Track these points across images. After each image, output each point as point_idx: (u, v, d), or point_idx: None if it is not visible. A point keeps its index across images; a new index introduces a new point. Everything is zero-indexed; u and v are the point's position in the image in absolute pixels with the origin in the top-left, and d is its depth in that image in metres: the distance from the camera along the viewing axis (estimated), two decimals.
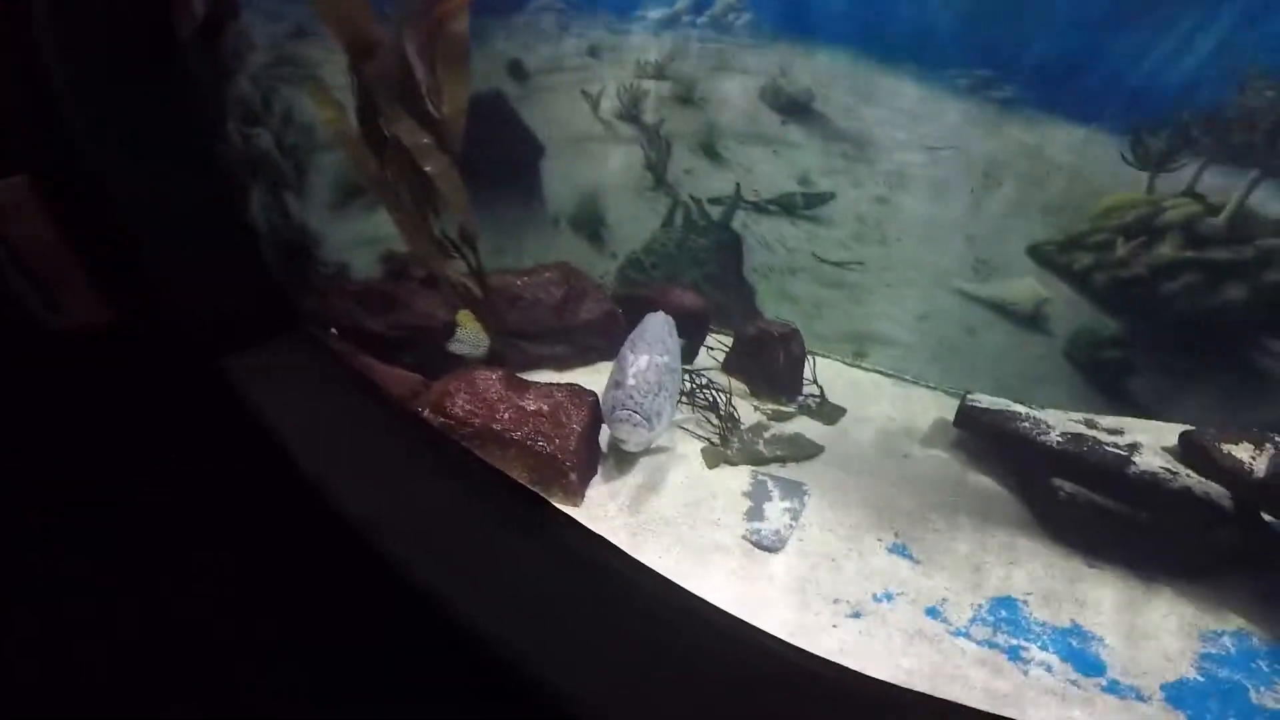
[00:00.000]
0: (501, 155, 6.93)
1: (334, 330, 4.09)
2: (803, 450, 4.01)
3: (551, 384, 3.67)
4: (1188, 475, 3.42)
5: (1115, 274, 4.66)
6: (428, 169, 3.57)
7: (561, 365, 4.65)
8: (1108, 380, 4.63)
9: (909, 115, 5.36)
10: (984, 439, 4.11)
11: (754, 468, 3.79)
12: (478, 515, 2.44)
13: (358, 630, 1.93)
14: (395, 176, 3.69)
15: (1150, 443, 3.70)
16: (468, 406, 3.33)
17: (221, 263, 2.60)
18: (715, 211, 6.10)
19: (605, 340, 4.85)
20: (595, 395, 3.65)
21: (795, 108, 5.82)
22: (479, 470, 2.87)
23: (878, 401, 4.79)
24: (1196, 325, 4.42)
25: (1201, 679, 2.69)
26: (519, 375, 3.74)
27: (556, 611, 2.24)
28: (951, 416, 4.44)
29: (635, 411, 3.30)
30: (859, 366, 5.28)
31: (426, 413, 3.28)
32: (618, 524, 3.17)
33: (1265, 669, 2.72)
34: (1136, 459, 3.53)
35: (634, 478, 3.51)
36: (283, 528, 2.12)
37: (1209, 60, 4.17)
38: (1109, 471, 3.52)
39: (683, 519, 3.28)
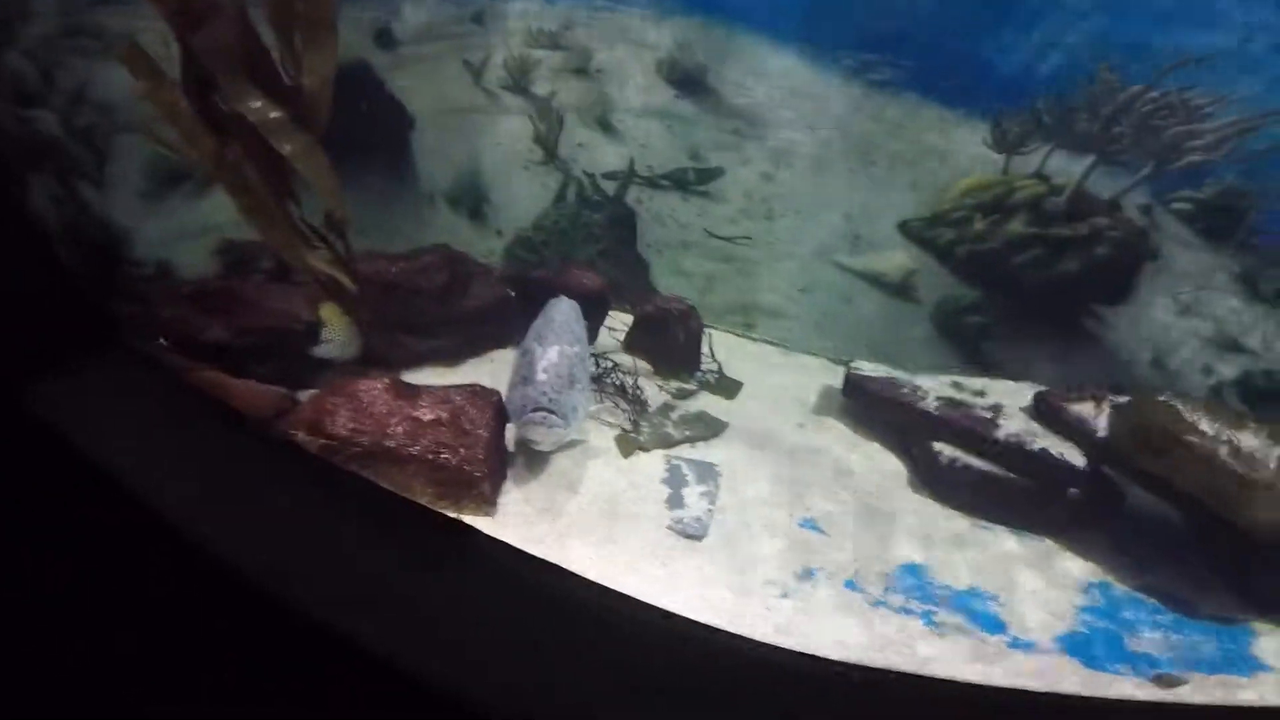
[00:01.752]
0: (363, 128, 6.31)
1: (163, 341, 3.47)
2: (709, 428, 3.97)
3: (448, 388, 3.29)
4: (1044, 435, 3.67)
5: (973, 248, 4.91)
6: (285, 149, 3.06)
7: (450, 359, 4.26)
8: (968, 344, 4.92)
9: (796, 94, 5.34)
10: (869, 406, 4.25)
11: (666, 452, 3.71)
12: (382, 547, 2.18)
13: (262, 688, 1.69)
14: (240, 158, 3.16)
15: (1011, 404, 3.95)
16: (352, 423, 2.90)
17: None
18: (609, 186, 5.86)
19: (498, 327, 4.55)
20: (499, 394, 3.35)
21: (689, 82, 5.66)
22: (372, 495, 2.56)
23: (769, 373, 4.83)
24: (1041, 294, 4.75)
25: (1084, 630, 2.93)
26: (405, 379, 3.35)
27: (485, 637, 2.07)
28: (837, 384, 4.58)
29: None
30: (749, 338, 5.31)
31: (300, 434, 2.84)
32: (539, 530, 2.97)
33: (1129, 616, 3.00)
34: (1002, 421, 3.76)
35: (548, 477, 3.31)
36: (143, 583, 1.79)
37: (1066, 55, 4.40)
38: (980, 435, 3.73)
39: (605, 516, 3.15)
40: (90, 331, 2.49)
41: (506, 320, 4.56)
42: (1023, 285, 4.74)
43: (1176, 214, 5.18)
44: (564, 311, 3.83)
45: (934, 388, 4.11)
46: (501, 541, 2.55)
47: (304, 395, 3.32)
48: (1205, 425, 3.29)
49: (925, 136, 5.05)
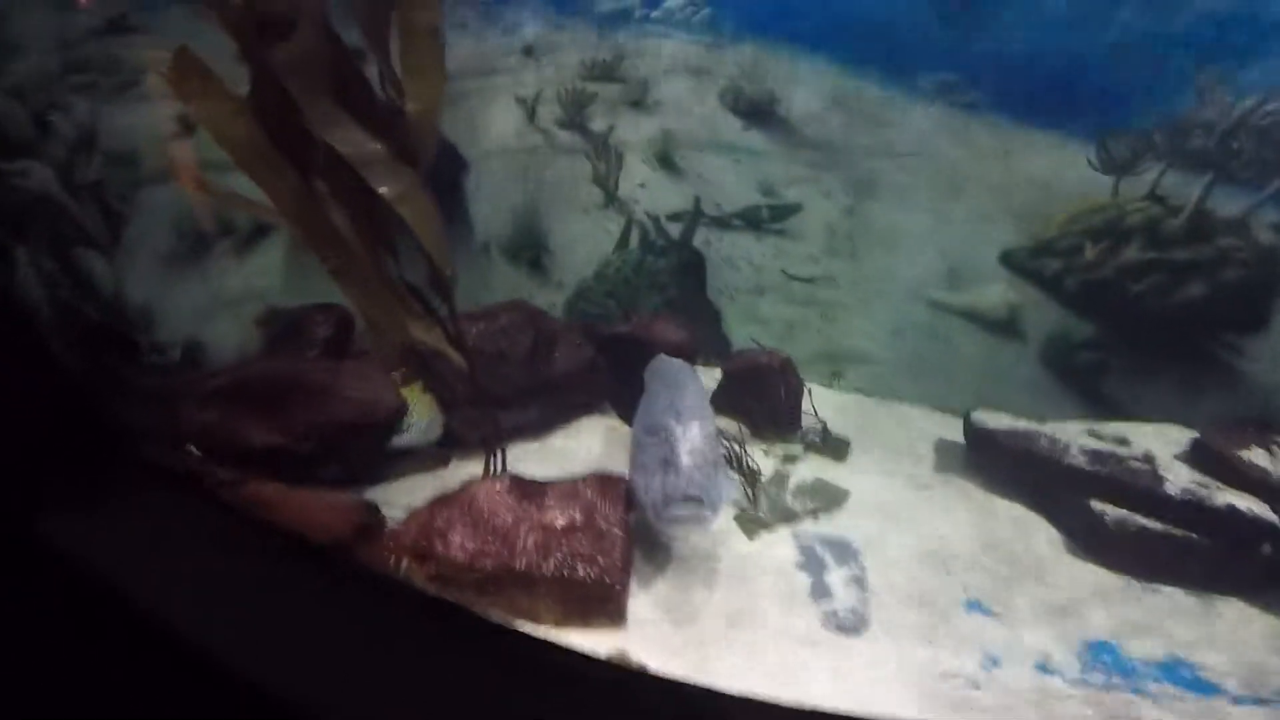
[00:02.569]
0: None
1: (192, 449, 2.85)
2: (832, 499, 3.53)
3: (575, 481, 2.84)
4: (1219, 489, 3.19)
5: (1085, 277, 4.47)
6: (384, 189, 2.52)
7: (537, 434, 3.83)
8: (1084, 383, 4.45)
9: (873, 120, 4.96)
10: (999, 461, 3.77)
11: (789, 528, 3.27)
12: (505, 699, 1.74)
13: None
14: (328, 199, 2.63)
15: (1162, 452, 3.47)
16: (471, 542, 2.40)
17: None
18: (674, 229, 5.47)
19: (587, 395, 4.15)
20: (624, 480, 2.93)
21: (757, 112, 5.28)
22: (479, 631, 2.11)
23: (870, 426, 4.37)
24: (1163, 323, 4.28)
25: None
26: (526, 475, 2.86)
27: None
28: (945, 434, 4.14)
29: (701, 500, 2.62)
30: (836, 388, 4.86)
31: (406, 564, 2.37)
32: (678, 641, 2.54)
33: None
34: (1165, 474, 3.28)
35: (673, 572, 2.89)
36: None
37: (1170, 69, 4.01)
38: (1144, 491, 3.25)
39: (745, 615, 2.71)
40: (98, 447, 2.07)
41: (595, 387, 4.16)
42: (1143, 315, 4.28)
43: None
44: (689, 378, 3.35)
45: (1070, 436, 3.64)
46: (644, 674, 2.13)
47: (383, 500, 2.85)
48: None
49: (1019, 161, 4.64)
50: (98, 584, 1.63)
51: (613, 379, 4.23)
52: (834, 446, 4.01)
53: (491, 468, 3.08)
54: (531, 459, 3.54)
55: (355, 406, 3.14)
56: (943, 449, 4.07)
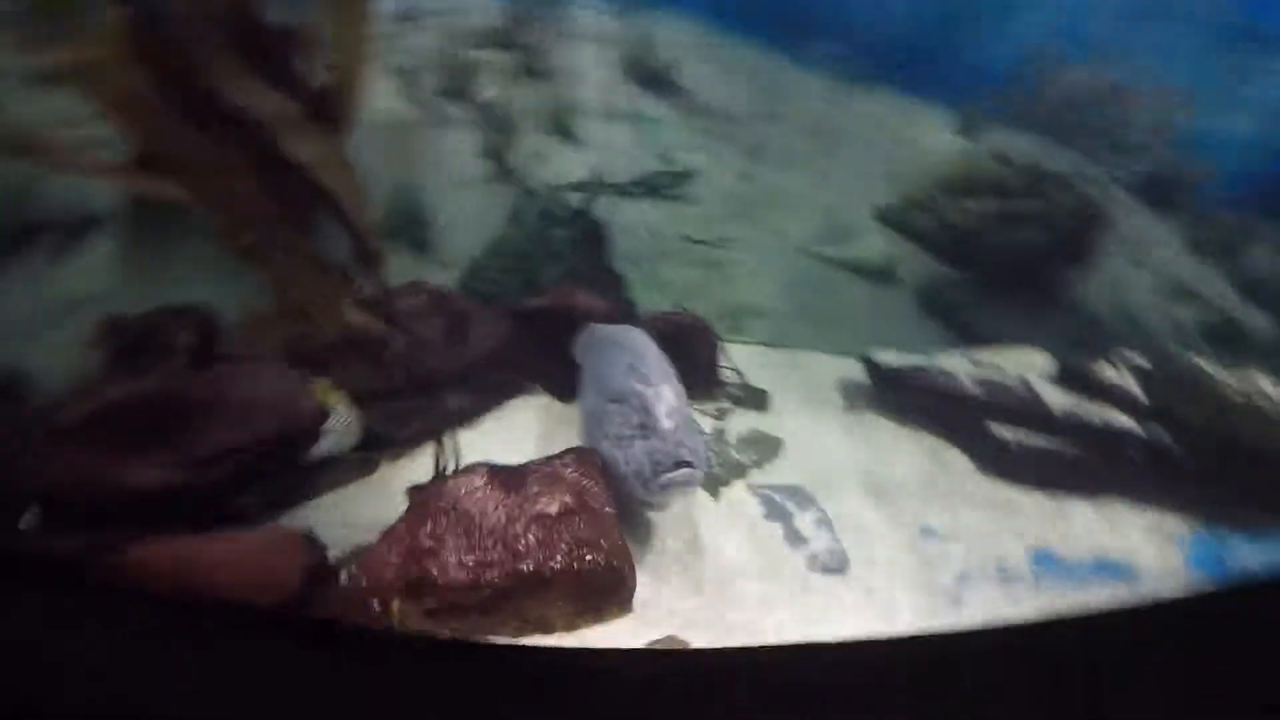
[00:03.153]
0: None
1: (34, 511, 2.14)
2: (770, 448, 3.59)
3: (549, 460, 2.56)
4: (1088, 404, 3.60)
5: (947, 229, 4.85)
6: (304, 154, 2.17)
7: (468, 421, 3.46)
8: (953, 319, 4.85)
9: (764, 89, 4.99)
10: (903, 395, 4.02)
11: (743, 481, 3.28)
12: None
13: None
14: (236, 168, 2.19)
15: (1033, 375, 3.86)
16: (471, 556, 2.03)
17: None
18: (574, 199, 5.20)
19: (513, 372, 3.85)
20: (595, 452, 2.73)
21: (656, 81, 5.10)
22: (532, 665, 1.78)
23: (777, 375, 4.48)
24: (1010, 264, 4.77)
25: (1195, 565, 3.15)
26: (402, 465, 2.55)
27: None
28: (847, 375, 4.36)
29: (692, 463, 2.48)
30: (740, 342, 4.92)
31: (396, 605, 1.93)
32: (690, 612, 2.45)
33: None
34: (1044, 397, 3.65)
35: (660, 545, 2.80)
36: None
37: (1018, 46, 4.41)
38: (1029, 413, 3.60)
39: (741, 573, 2.70)
40: None
41: (519, 363, 3.87)
42: (994, 257, 4.75)
43: (1123, 186, 5.45)
44: (644, 341, 3.15)
45: (955, 366, 3.96)
46: (685, 650, 2.01)
47: (313, 527, 2.34)
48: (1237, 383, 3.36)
49: (896, 125, 4.91)
50: None
51: (537, 355, 3.98)
52: (755, 397, 4.07)
53: (442, 463, 2.75)
54: (467, 451, 3.22)
55: (271, 416, 2.57)
56: (849, 390, 4.28)
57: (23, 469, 2.18)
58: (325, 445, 2.95)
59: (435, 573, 2.02)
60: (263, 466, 2.56)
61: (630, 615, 2.34)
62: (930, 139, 4.94)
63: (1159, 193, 5.32)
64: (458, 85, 5.08)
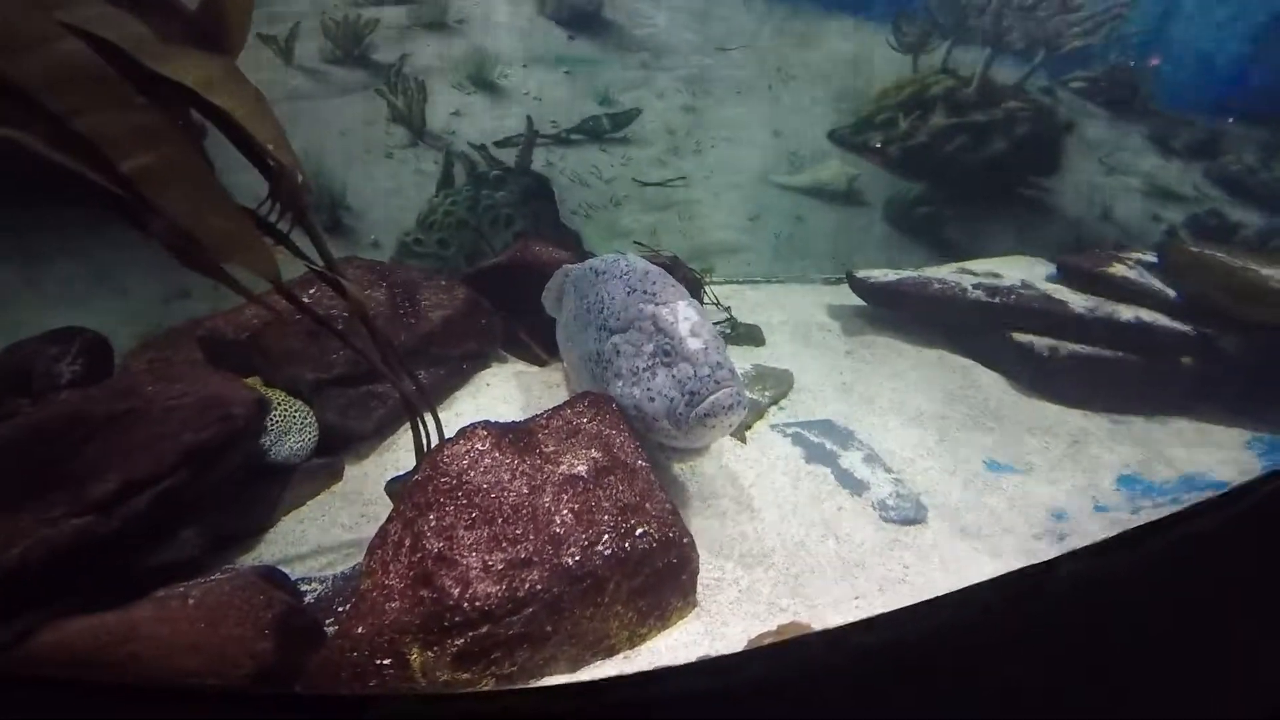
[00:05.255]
0: None
1: None
2: (781, 382, 3.10)
3: (559, 410, 1.94)
4: (1114, 304, 3.24)
5: (904, 145, 4.47)
6: (188, 78, 1.59)
7: (436, 401, 2.81)
8: (927, 234, 4.50)
9: (697, 16, 4.44)
10: (902, 312, 3.62)
11: (764, 423, 2.79)
12: None
13: None
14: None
15: (1035, 279, 3.52)
16: (499, 554, 1.42)
17: None
18: (508, 155, 4.50)
19: (477, 341, 3.20)
20: (608, 397, 2.10)
21: (582, 18, 4.44)
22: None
23: (761, 309, 4.01)
24: (978, 175, 4.46)
25: None
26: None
27: None
28: (833, 301, 3.95)
29: (733, 387, 1.91)
30: (712, 281, 4.42)
31: (414, 657, 1.31)
32: (768, 590, 1.89)
33: None
34: (1061, 298, 3.29)
35: (702, 506, 2.22)
36: None
37: None
38: (1051, 316, 3.24)
39: (807, 532, 2.16)
40: None
41: (483, 328, 3.22)
42: (958, 170, 4.42)
43: (1076, 92, 5.21)
44: (641, 262, 2.47)
45: (955, 277, 3.58)
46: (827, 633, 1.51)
47: (281, 564, 1.78)
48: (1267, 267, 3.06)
49: (833, 45, 4.48)
50: None
51: (501, 319, 3.34)
52: (749, 333, 3.58)
53: (426, 435, 2.07)
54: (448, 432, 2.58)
55: (195, 423, 1.84)
56: (842, 315, 3.85)
57: None
58: (281, 451, 2.24)
59: (456, 590, 1.37)
60: (193, 493, 1.85)
61: (698, 610, 1.75)
62: (872, 57, 4.56)
63: (1113, 95, 5.16)
64: (346, 48, 4.27)
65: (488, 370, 3.20)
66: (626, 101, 4.58)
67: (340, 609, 1.55)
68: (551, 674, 1.51)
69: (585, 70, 4.54)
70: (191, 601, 1.34)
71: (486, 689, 1.42)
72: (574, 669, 1.53)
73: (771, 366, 3.20)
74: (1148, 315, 3.18)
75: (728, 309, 3.67)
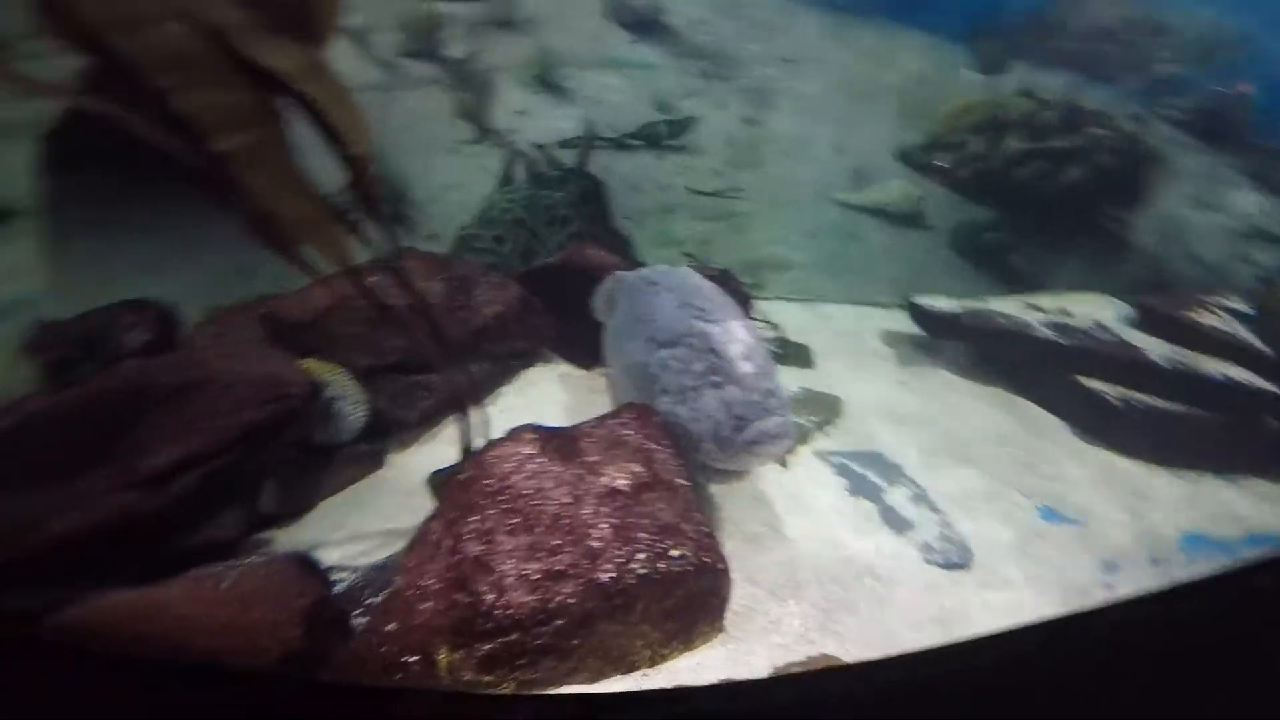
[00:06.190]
0: None
1: None
2: (829, 408, 3.01)
3: (603, 421, 1.94)
4: (1200, 357, 3.02)
5: (976, 168, 4.31)
6: (280, 65, 1.64)
7: (483, 395, 2.84)
8: (993, 263, 4.32)
9: (762, 27, 4.37)
10: (961, 344, 3.47)
11: (809, 448, 2.70)
12: None
13: None
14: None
15: (1110, 321, 3.32)
16: (535, 564, 1.41)
17: None
18: (567, 156, 4.52)
19: (525, 340, 3.22)
20: (653, 410, 2.08)
21: (644, 24, 4.45)
22: None
23: (811, 330, 3.90)
24: (1052, 204, 4.26)
25: None
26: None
27: None
28: (888, 327, 3.83)
29: (783, 415, 1.88)
30: (761, 297, 4.33)
31: (442, 657, 1.32)
32: (794, 632, 1.82)
33: None
34: (1140, 345, 3.09)
35: (737, 530, 2.17)
36: None
37: None
38: (1127, 364, 3.04)
39: (843, 566, 2.09)
40: None
41: (532, 327, 3.23)
42: (1032, 198, 4.23)
43: (1168, 121, 4.94)
44: (696, 278, 2.45)
45: (1019, 312, 3.42)
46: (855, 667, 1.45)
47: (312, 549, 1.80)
48: None
49: (905, 62, 4.36)
50: None
51: (551, 320, 3.34)
52: (796, 353, 3.50)
53: (468, 443, 2.07)
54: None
55: (250, 403, 1.86)
56: (897, 341, 3.72)
57: None
58: (326, 430, 2.27)
59: (491, 597, 1.37)
60: (241, 473, 1.89)
61: (723, 636, 1.72)
62: (948, 76, 4.40)
63: (1211, 128, 4.83)
64: (422, 44, 4.37)
65: (533, 369, 3.21)
66: (685, 109, 4.55)
67: (369, 600, 1.56)
68: (571, 683, 1.52)
69: (645, 76, 4.53)
70: (225, 584, 1.36)
71: (506, 692, 1.40)
72: (594, 680, 1.53)
73: (819, 390, 3.11)
74: (1236, 373, 2.97)
75: (776, 327, 3.59)
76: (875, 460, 2.63)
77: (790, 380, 3.22)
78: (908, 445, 2.78)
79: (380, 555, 1.82)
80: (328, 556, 1.72)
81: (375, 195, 1.78)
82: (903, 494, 2.44)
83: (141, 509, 1.57)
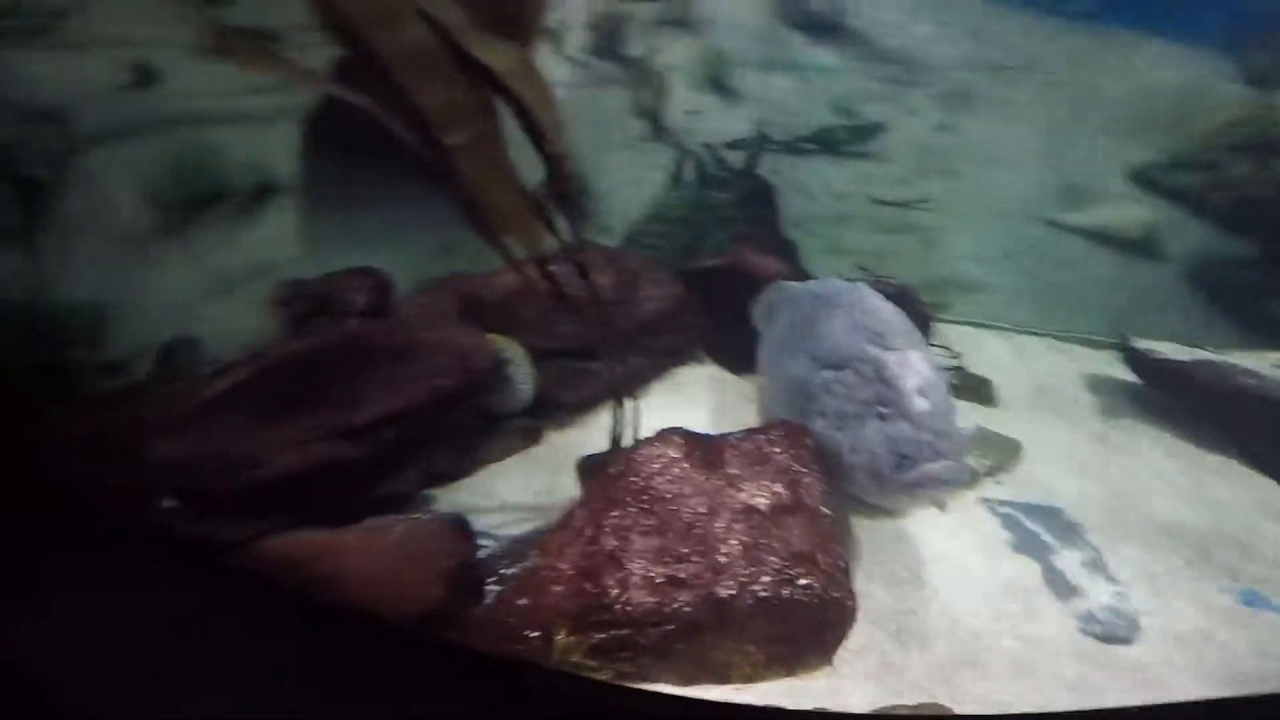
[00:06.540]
0: None
1: (167, 502, 1.81)
2: (1005, 452, 2.71)
3: (752, 434, 1.90)
4: None
5: (1237, 194, 3.61)
6: (496, 65, 1.78)
7: (636, 389, 2.93)
8: (1244, 307, 3.59)
9: (967, 31, 4.04)
10: (1186, 400, 2.94)
11: (975, 493, 2.45)
12: None
13: None
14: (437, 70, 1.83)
15: None
16: (660, 568, 1.46)
17: None
18: (736, 158, 4.48)
19: (680, 339, 3.27)
20: (807, 432, 2.00)
21: (824, 26, 4.30)
22: None
23: (998, 362, 3.52)
24: None
25: None
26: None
27: None
28: (1092, 368, 3.37)
29: (952, 459, 1.75)
30: (945, 320, 3.97)
31: (560, 638, 1.39)
32: (905, 679, 1.70)
33: None
34: None
35: (873, 566, 2.06)
36: None
37: None
38: None
39: (983, 621, 1.91)
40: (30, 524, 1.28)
41: (688, 327, 3.27)
42: None
43: None
44: (875, 298, 2.30)
45: (1262, 367, 2.82)
46: None
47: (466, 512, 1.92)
48: None
49: (1142, 71, 3.76)
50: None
51: (708, 320, 3.36)
52: (977, 388, 3.18)
53: (618, 433, 2.16)
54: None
55: (446, 362, 2.08)
56: (1103, 389, 3.26)
57: (164, 449, 1.83)
58: (500, 401, 2.48)
59: (615, 592, 1.45)
60: (427, 434, 2.12)
61: (828, 670, 1.65)
62: (1200, 88, 3.69)
63: None
64: (606, 43, 4.55)
65: (685, 368, 3.28)
66: (869, 114, 4.29)
67: (504, 569, 1.69)
68: (663, 682, 1.55)
69: (823, 79, 4.33)
70: (393, 537, 1.55)
71: (604, 679, 1.48)
72: (685, 684, 1.55)
73: (997, 432, 2.80)
74: None
75: (958, 355, 3.28)
76: (1051, 516, 2.34)
77: (964, 417, 2.93)
78: (1093, 505, 2.44)
79: (521, 529, 1.96)
80: (477, 521, 1.89)
81: (570, 192, 1.90)
82: (1076, 557, 2.15)
83: (346, 457, 1.82)
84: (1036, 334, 3.81)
